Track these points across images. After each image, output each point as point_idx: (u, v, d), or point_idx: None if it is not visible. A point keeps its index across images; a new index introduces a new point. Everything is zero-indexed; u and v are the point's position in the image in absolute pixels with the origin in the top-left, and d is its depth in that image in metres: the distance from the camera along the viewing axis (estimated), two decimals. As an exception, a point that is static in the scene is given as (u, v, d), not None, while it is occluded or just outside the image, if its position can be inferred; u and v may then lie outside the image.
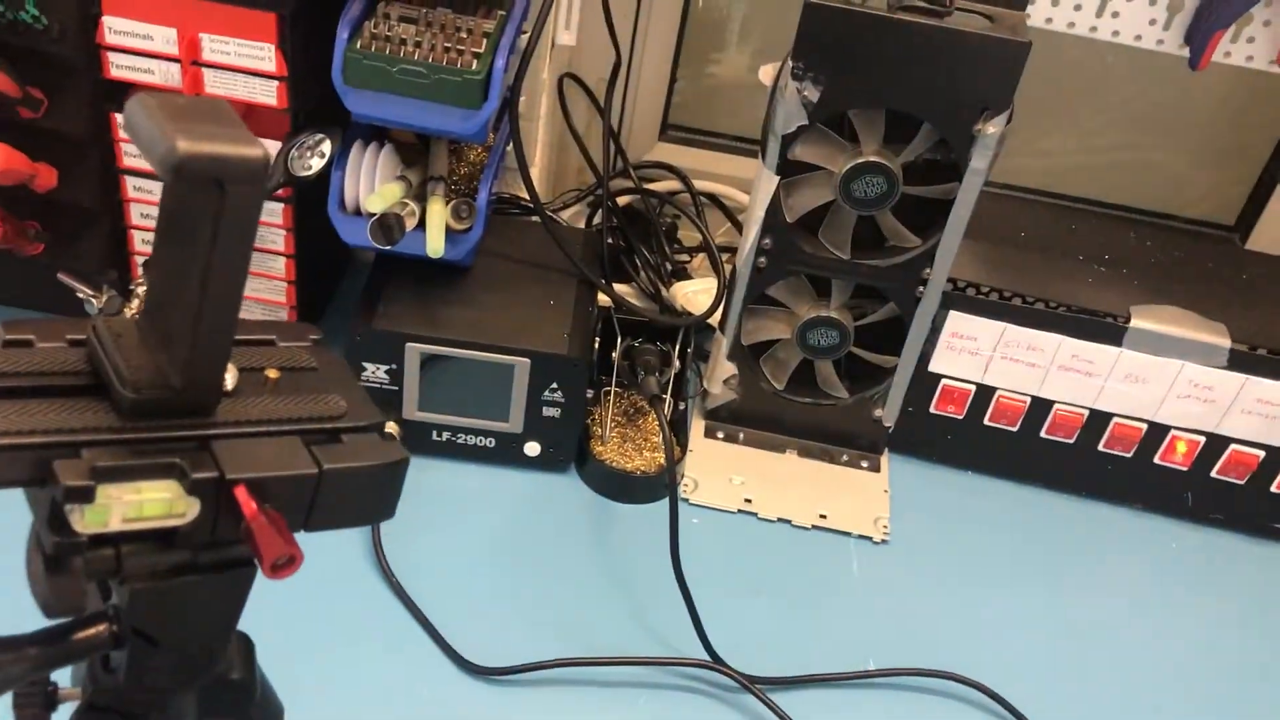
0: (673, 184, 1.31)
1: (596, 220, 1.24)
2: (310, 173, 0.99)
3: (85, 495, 0.42)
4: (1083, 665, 0.98)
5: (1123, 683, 0.97)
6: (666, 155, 1.36)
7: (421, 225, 0.97)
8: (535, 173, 1.22)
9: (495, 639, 0.90)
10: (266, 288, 1.08)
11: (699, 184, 1.31)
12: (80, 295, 0.96)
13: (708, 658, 0.91)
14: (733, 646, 0.92)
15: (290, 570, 0.45)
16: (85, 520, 0.43)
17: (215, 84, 0.96)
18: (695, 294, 1.18)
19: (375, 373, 1.00)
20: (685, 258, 1.28)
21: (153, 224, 1.03)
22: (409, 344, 0.97)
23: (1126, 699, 0.96)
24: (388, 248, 0.93)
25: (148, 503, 0.44)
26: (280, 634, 0.88)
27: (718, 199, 1.31)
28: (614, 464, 1.04)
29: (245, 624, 0.90)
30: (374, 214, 0.92)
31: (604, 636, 0.92)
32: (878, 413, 1.10)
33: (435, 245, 0.95)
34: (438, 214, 0.96)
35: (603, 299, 1.11)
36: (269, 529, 0.45)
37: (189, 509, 0.45)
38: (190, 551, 0.47)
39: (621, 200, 1.28)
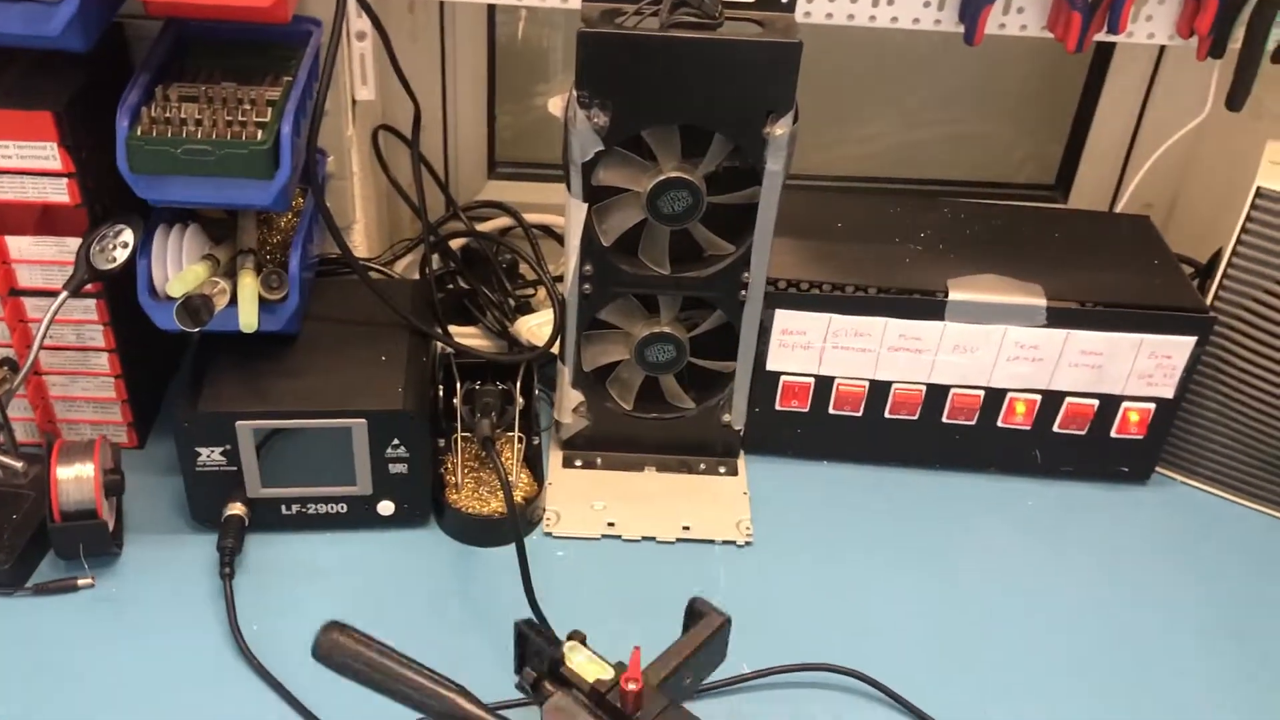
0: (505, 221, 1.32)
1: (433, 268, 1.24)
2: (115, 265, 0.97)
3: None
4: (956, 637, 1.00)
5: (998, 648, 0.99)
6: (498, 192, 1.37)
7: (235, 301, 0.96)
8: (360, 228, 1.22)
9: (366, 707, 0.88)
10: (94, 385, 1.06)
11: (533, 217, 1.31)
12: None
13: (578, 687, 0.91)
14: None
15: None
16: None
17: (5, 189, 0.94)
18: (539, 326, 1.19)
19: (210, 456, 0.98)
20: (530, 292, 1.29)
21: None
22: (239, 422, 0.96)
23: (1004, 663, 0.98)
24: (198, 330, 0.91)
25: None
26: None
27: (551, 229, 1.32)
28: (470, 510, 1.04)
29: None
30: (178, 298, 0.91)
31: (481, 684, 0.91)
32: (726, 418, 1.11)
33: (248, 319, 0.94)
34: (248, 287, 0.95)
35: (443, 347, 1.11)
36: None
37: None
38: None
39: (456, 243, 1.28)
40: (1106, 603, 1.04)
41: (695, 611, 0.84)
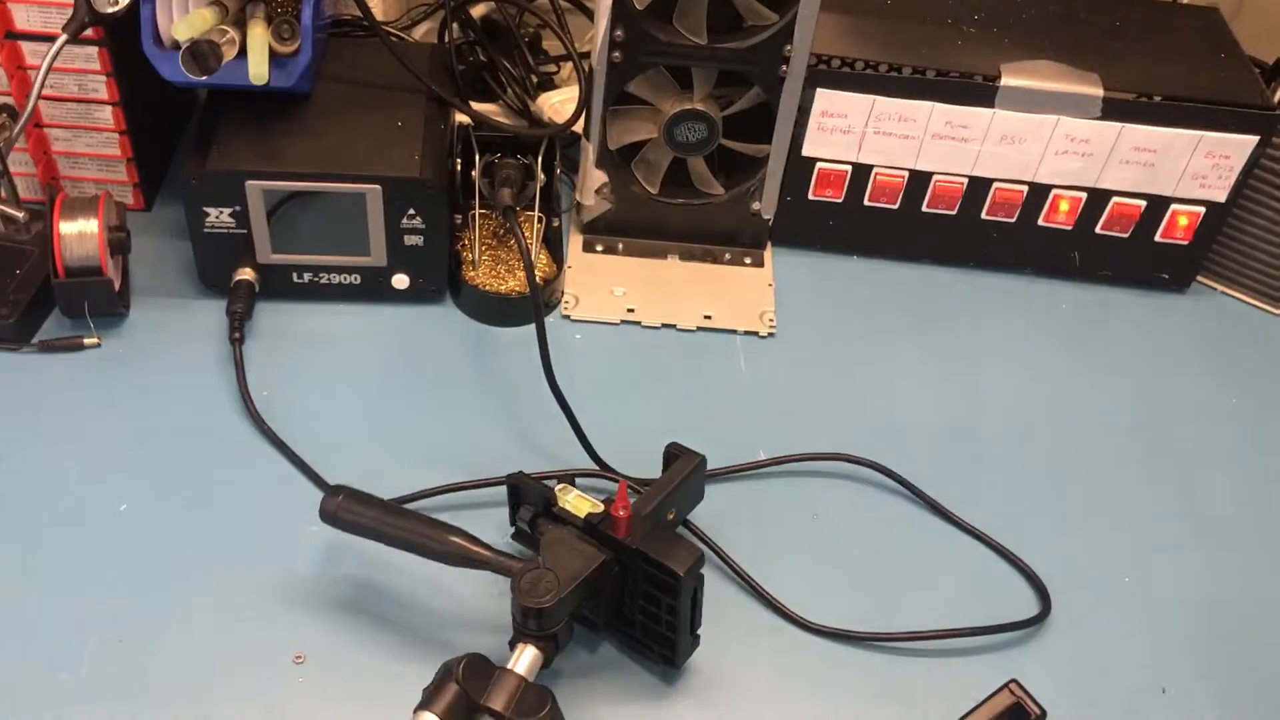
0: (530, -10, 1.24)
1: (453, 36, 1.18)
2: (118, 8, 0.91)
3: None
4: (977, 434, 0.98)
5: (1019, 446, 0.97)
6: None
7: (244, 53, 0.91)
8: (378, -11, 1.15)
9: (377, 475, 0.87)
10: (98, 141, 1.01)
11: (561, -12, 1.24)
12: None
13: (595, 466, 0.90)
14: (624, 454, 0.91)
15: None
16: None
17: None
18: (562, 104, 1.13)
19: (219, 217, 0.94)
20: (552, 68, 1.23)
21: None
22: (249, 182, 0.92)
23: (1024, 462, 0.96)
24: (205, 79, 0.86)
25: None
26: (156, 492, 0.87)
27: (580, 2, 1.25)
28: (487, 288, 1.01)
29: (130, 497, 0.87)
30: (184, 43, 0.85)
31: (489, 460, 0.90)
32: (756, 206, 1.07)
33: (258, 70, 0.88)
34: (259, 37, 0.89)
35: (463, 118, 1.06)
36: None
37: None
38: None
39: (477, 12, 1.21)
40: (1133, 408, 1.02)
41: (672, 453, 0.85)
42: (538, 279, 1.01)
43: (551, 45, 1.21)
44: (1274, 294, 1.10)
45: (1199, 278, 1.12)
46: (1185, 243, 1.07)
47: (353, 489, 0.79)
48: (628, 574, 0.76)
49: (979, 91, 0.99)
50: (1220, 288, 1.12)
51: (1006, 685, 0.76)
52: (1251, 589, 0.89)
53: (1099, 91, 0.98)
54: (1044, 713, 0.75)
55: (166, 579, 0.81)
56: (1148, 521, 0.93)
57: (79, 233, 0.92)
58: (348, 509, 0.78)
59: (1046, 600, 0.86)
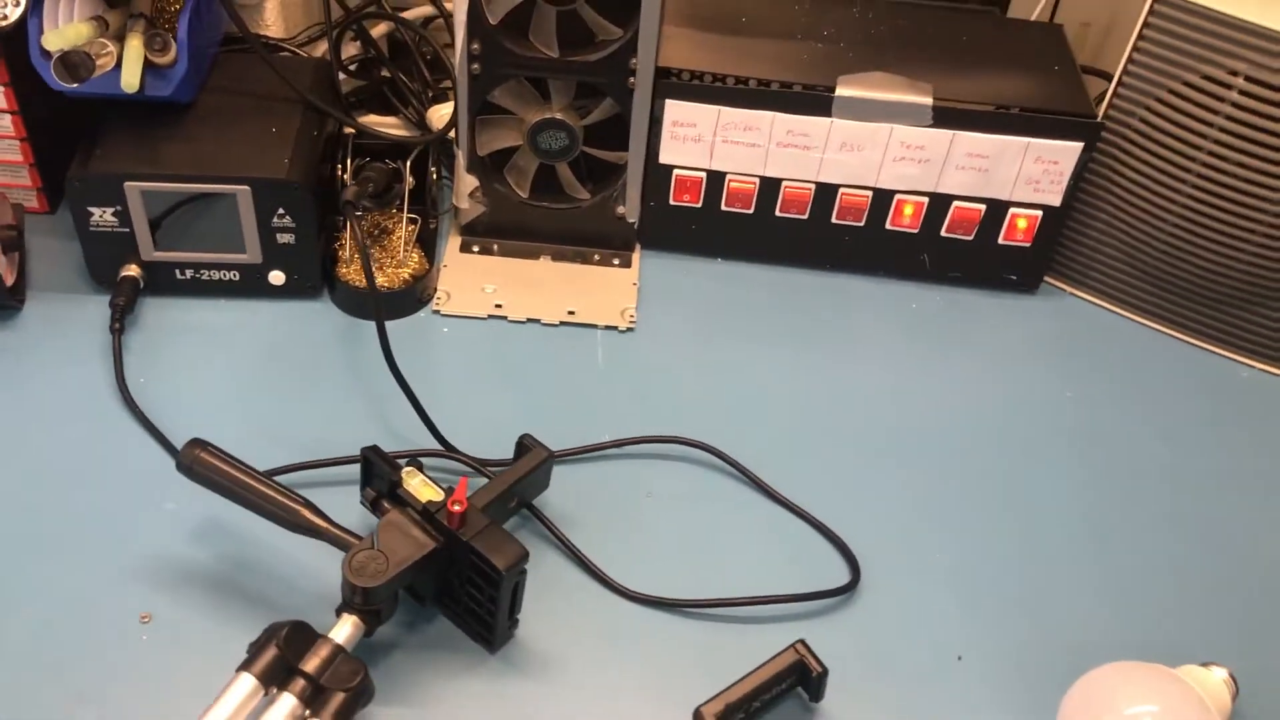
0: (428, 9, 1.31)
1: (350, 52, 1.25)
2: (7, 23, 0.98)
3: None
4: (821, 426, 1.04)
5: (863, 439, 1.03)
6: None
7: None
8: (273, 6, 1.22)
9: (241, 455, 0.93)
10: (2, 148, 1.09)
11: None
12: None
13: (441, 447, 0.96)
14: (480, 439, 0.97)
15: None
16: None
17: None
18: (448, 115, 1.20)
19: (102, 216, 1.01)
20: (451, 84, 1.30)
21: None
22: (127, 183, 0.99)
23: (866, 454, 1.02)
24: (76, 86, 0.93)
25: None
26: (27, 471, 0.93)
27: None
28: (358, 283, 1.07)
29: (3, 477, 0.90)
30: (55, 53, 0.93)
31: (351, 443, 0.96)
32: (620, 210, 1.13)
33: (129, 79, 0.96)
34: (133, 49, 0.97)
35: (350, 129, 1.13)
36: None
37: None
38: None
39: (378, 31, 1.28)
40: (979, 404, 1.07)
41: (523, 445, 0.91)
42: (407, 276, 1.08)
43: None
44: (1117, 294, 1.15)
45: (1048, 279, 1.18)
46: (1027, 245, 1.13)
47: (212, 445, 0.85)
48: (456, 561, 0.82)
49: (817, 101, 1.05)
50: (1068, 289, 1.18)
51: (793, 645, 0.81)
52: (1050, 563, 0.95)
53: (929, 100, 1.04)
54: (825, 670, 0.80)
55: (27, 551, 0.88)
56: (968, 507, 0.98)
57: (-31, 231, 0.99)
58: (204, 462, 0.84)
59: (857, 572, 0.91)
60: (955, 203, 1.10)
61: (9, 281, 1.02)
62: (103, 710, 0.79)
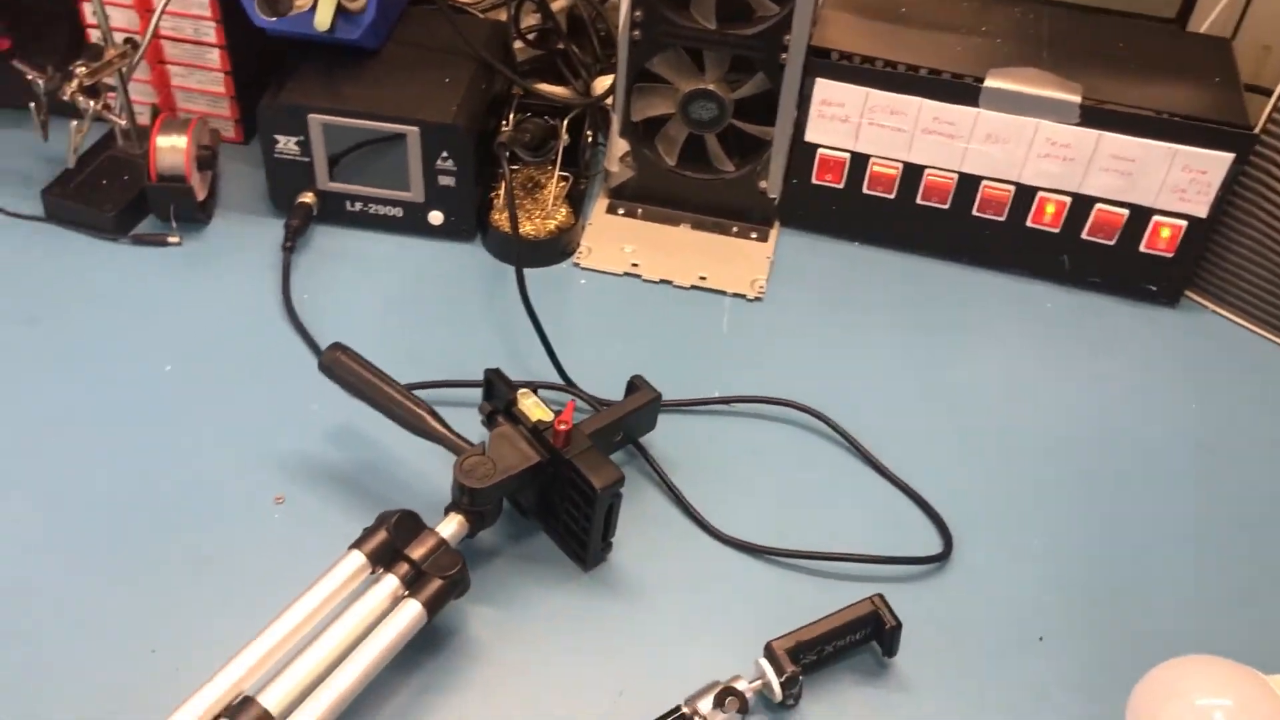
0: (608, -11, 1.38)
1: (529, 23, 1.33)
2: (224, -36, 1.09)
3: None
4: (936, 410, 1.05)
5: (977, 429, 1.04)
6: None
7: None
8: (464, -28, 1.30)
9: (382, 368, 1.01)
10: (207, 79, 1.20)
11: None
12: (29, 77, 1.09)
13: (562, 381, 1.02)
14: (598, 381, 1.02)
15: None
16: None
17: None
18: (610, 84, 1.26)
19: (287, 145, 1.11)
20: (619, 60, 1.36)
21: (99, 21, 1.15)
22: (311, 115, 1.08)
23: (979, 443, 1.03)
24: (274, 20, 1.03)
25: None
26: (196, 361, 1.03)
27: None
28: (508, 229, 1.14)
29: (176, 362, 1.04)
30: (262, -11, 1.03)
31: (474, 369, 1.03)
32: (763, 184, 1.17)
33: (321, 19, 1.05)
34: (328, -7, 1.07)
35: (519, 90, 1.20)
36: None
37: None
38: None
39: (558, 5, 1.36)
40: (1098, 405, 1.07)
41: (634, 385, 0.96)
42: (553, 228, 1.15)
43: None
44: (1260, 315, 1.13)
45: (1189, 294, 1.16)
46: (1169, 255, 1.11)
47: (351, 350, 0.93)
48: (558, 478, 0.88)
49: (966, 91, 1.07)
50: (1211, 305, 1.16)
51: (870, 597, 0.83)
52: (1147, 567, 0.94)
53: (1077, 98, 1.05)
54: (899, 624, 0.82)
55: (187, 424, 0.97)
56: (1070, 499, 0.98)
57: (171, 146, 1.10)
58: (341, 363, 0.92)
59: (949, 544, 0.93)
60: (1098, 205, 1.10)
61: (200, 196, 1.13)
62: (227, 574, 0.87)
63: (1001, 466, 1.01)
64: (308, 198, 1.14)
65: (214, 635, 0.82)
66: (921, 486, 0.97)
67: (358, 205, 1.15)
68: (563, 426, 0.85)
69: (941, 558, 0.92)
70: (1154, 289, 1.15)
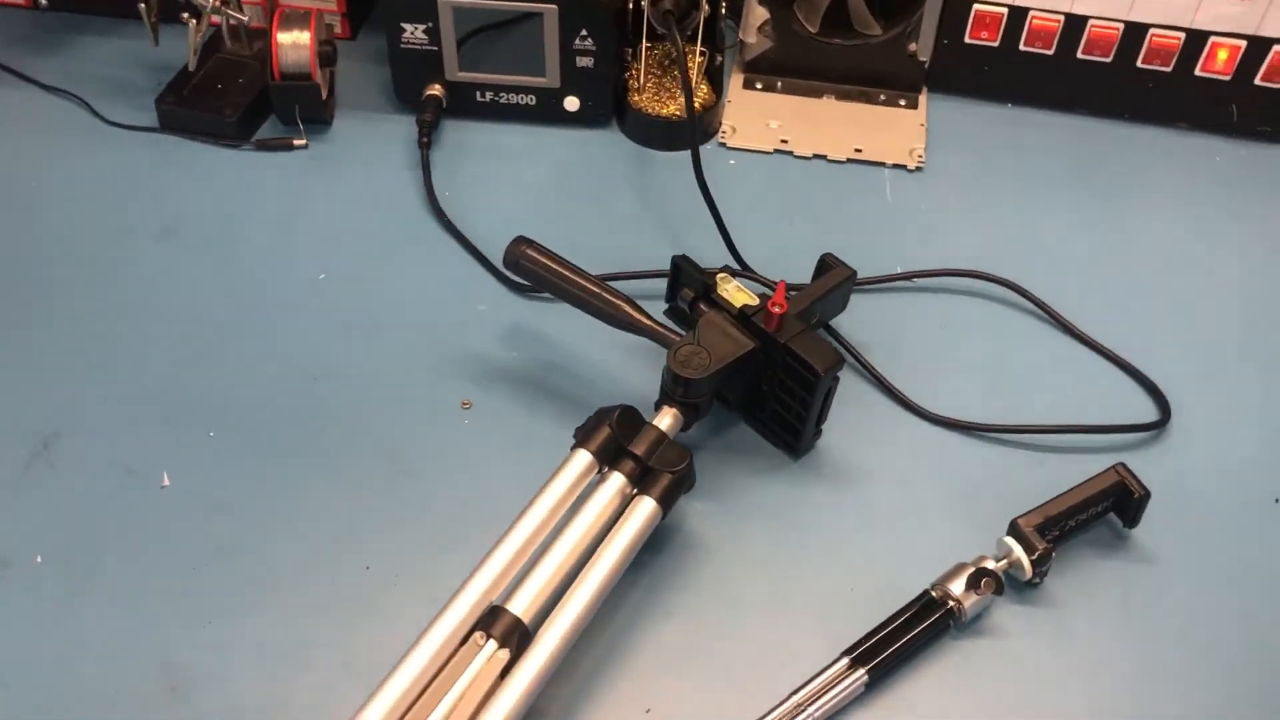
0: None
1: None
2: None
3: None
4: (1115, 270, 1.01)
5: (1157, 287, 1.00)
6: None
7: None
8: None
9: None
10: (313, -30, 1.13)
11: None
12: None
13: (738, 267, 0.97)
14: (768, 265, 0.97)
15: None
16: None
17: None
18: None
19: (414, 33, 1.04)
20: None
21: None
22: (441, -1, 1.02)
23: (1160, 302, 0.99)
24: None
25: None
26: (351, 266, 0.98)
27: None
28: (650, 111, 1.08)
29: (329, 269, 0.99)
30: None
31: (643, 262, 0.98)
32: (912, 47, 1.11)
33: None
34: None
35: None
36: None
37: None
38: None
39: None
40: (1278, 260, 1.03)
41: (826, 263, 0.91)
42: (697, 106, 1.08)
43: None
44: None
45: (1365, 138, 1.11)
46: (1349, 96, 1.06)
47: (537, 243, 0.87)
48: (769, 365, 0.83)
49: (1140, -69, 1.00)
50: (1387, 149, 1.11)
51: (1113, 466, 0.80)
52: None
53: (1264, -69, 0.98)
54: (1147, 493, 0.79)
55: (355, 332, 0.93)
56: (1276, 350, 0.95)
57: (293, 42, 1.03)
58: (530, 257, 0.87)
59: (1166, 410, 0.89)
60: (1276, 47, 1.04)
61: (324, 95, 1.07)
62: (427, 482, 0.83)
63: (1202, 325, 0.96)
64: (436, 90, 1.08)
65: (423, 546, 0.79)
66: (1124, 351, 0.93)
67: (488, 95, 1.09)
68: (777, 309, 0.81)
69: (1161, 424, 0.89)
70: (1329, 134, 1.10)
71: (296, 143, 1.07)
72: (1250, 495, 0.85)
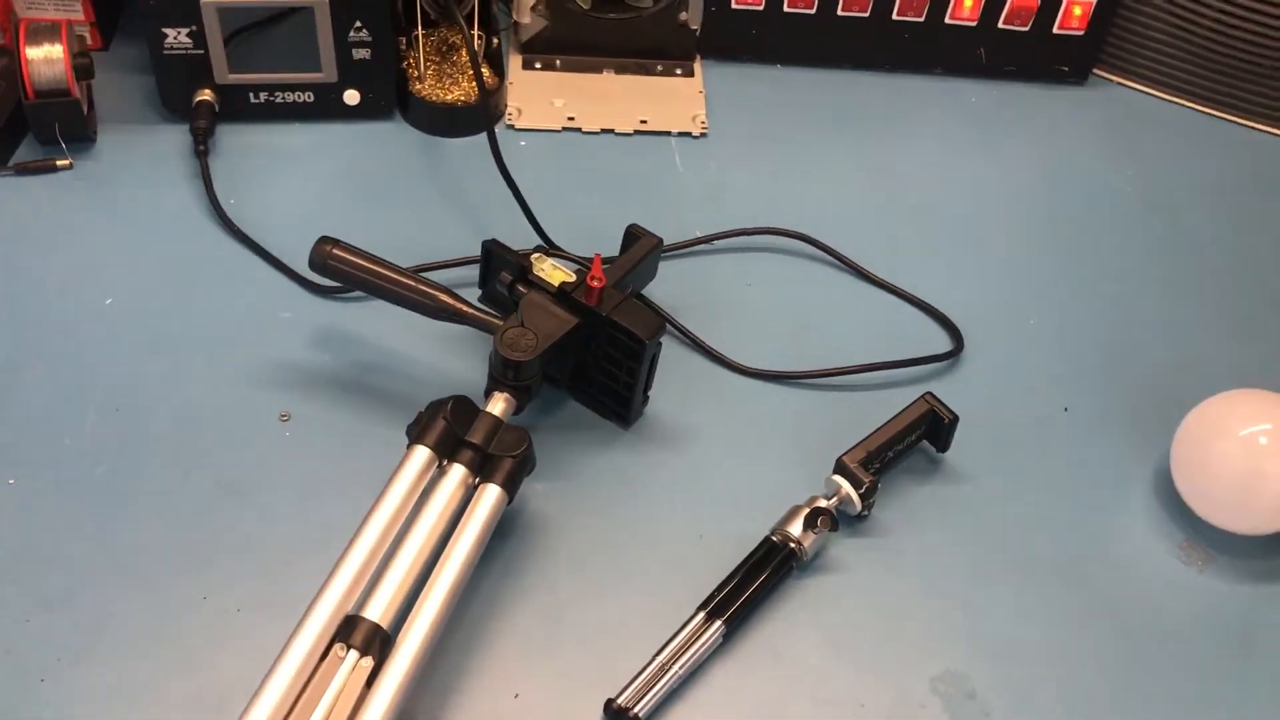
0: None
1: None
2: None
3: None
4: (893, 212, 1.07)
5: (934, 224, 1.06)
6: None
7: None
8: None
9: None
10: (53, -20, 1.06)
11: None
12: None
13: (543, 244, 0.97)
14: (572, 240, 0.98)
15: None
16: None
17: None
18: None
19: (178, 38, 0.99)
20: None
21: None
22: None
23: (939, 237, 1.05)
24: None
25: None
26: (139, 288, 0.93)
27: None
28: (434, 98, 1.07)
29: (115, 293, 0.93)
30: None
31: (449, 250, 0.97)
32: (683, 17, 1.14)
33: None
34: None
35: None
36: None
37: None
38: None
39: None
40: (1043, 185, 1.11)
41: (632, 234, 0.92)
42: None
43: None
44: (1163, 80, 1.19)
45: (1096, 71, 1.21)
46: (1080, 33, 1.15)
47: (343, 241, 0.85)
48: (593, 338, 0.84)
49: (883, -110, 1.06)
50: (1116, 78, 1.21)
51: (922, 396, 0.85)
52: (1137, 319, 1.00)
53: (992, -116, 1.06)
54: (956, 417, 0.85)
55: (154, 356, 0.88)
56: (1049, 275, 1.03)
57: (45, 56, 0.97)
58: (338, 257, 0.84)
59: (959, 340, 0.95)
60: (1013, -8, 1.12)
61: (84, 109, 1.00)
62: (255, 499, 0.81)
63: (975, 258, 1.04)
64: (206, 95, 1.03)
65: (259, 568, 0.77)
66: (915, 288, 0.99)
67: (263, 96, 1.05)
68: (596, 283, 0.82)
69: (955, 353, 0.95)
70: (1065, 69, 1.19)
71: (60, 163, 1.00)
72: (1043, 408, 0.92)
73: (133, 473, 0.81)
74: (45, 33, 0.97)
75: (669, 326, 0.94)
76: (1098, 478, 0.88)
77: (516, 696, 0.74)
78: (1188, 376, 0.94)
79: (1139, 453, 0.90)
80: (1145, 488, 0.88)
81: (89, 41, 1.10)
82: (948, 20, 1.14)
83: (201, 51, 1.00)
